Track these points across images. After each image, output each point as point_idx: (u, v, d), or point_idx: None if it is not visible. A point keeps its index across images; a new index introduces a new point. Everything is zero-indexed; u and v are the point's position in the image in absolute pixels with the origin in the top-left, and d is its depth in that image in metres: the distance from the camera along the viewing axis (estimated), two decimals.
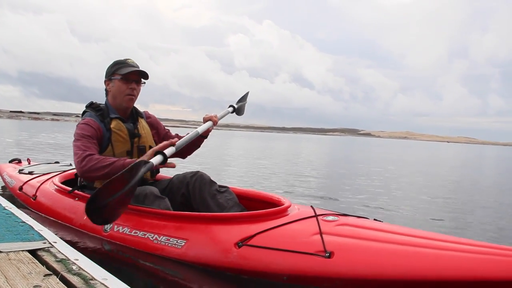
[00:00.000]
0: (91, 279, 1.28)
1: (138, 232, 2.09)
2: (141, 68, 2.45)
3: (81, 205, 2.31)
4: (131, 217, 2.15)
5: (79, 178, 2.55)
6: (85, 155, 2.19)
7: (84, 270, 1.34)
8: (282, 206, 2.13)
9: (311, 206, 2.12)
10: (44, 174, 3.23)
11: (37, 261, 1.43)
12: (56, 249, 1.56)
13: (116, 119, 2.45)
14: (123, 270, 1.93)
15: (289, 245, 1.76)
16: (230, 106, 2.87)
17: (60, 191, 2.68)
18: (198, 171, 2.51)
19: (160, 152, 2.04)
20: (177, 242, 1.97)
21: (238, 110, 2.92)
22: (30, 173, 3.34)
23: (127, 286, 1.21)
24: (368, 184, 6.64)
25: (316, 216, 1.95)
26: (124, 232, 2.13)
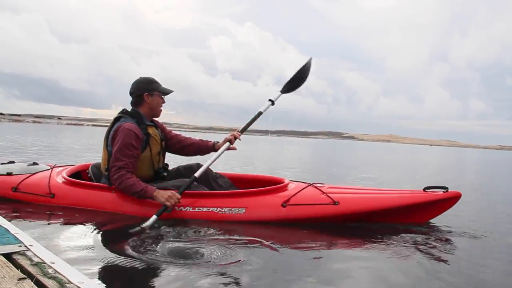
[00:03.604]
0: (67, 283, 1.26)
1: (202, 208, 2.81)
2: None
3: (125, 196, 2.84)
4: (189, 200, 2.82)
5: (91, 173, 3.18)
6: (121, 174, 2.76)
7: (60, 274, 1.32)
8: (287, 181, 3.16)
9: (296, 181, 3.29)
10: (34, 174, 3.23)
11: (11, 265, 1.40)
12: (32, 252, 1.53)
13: (152, 126, 3.04)
14: (189, 240, 2.35)
15: (312, 201, 2.89)
16: (269, 100, 3.30)
17: (91, 187, 3.02)
18: (198, 163, 3.17)
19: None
20: (239, 210, 2.82)
21: (285, 90, 3.36)
22: (9, 174, 3.23)
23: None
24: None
25: (310, 185, 3.13)
26: (187, 210, 2.79)
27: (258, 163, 10.19)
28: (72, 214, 2.84)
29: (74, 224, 2.63)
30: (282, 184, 3.09)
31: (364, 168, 11.08)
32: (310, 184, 3.13)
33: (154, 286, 1.74)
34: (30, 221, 2.62)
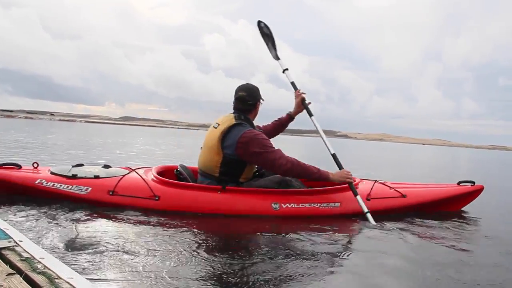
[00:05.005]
0: (56, 278, 1.25)
1: (305, 204, 3.11)
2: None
3: (239, 196, 3.03)
4: (293, 197, 3.11)
5: (179, 172, 3.33)
6: (290, 160, 3.07)
7: (49, 269, 1.31)
8: (358, 180, 3.55)
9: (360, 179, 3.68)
10: (123, 176, 3.07)
11: (0, 260, 1.39)
12: (22, 248, 1.51)
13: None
14: (294, 231, 2.68)
15: (386, 194, 3.40)
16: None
17: (201, 189, 3.06)
18: None
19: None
20: (335, 205, 3.17)
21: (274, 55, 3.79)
22: (97, 177, 3.03)
23: (92, 284, 1.19)
24: None
25: (376, 181, 3.60)
26: (293, 206, 3.08)
27: None
28: (64, 210, 2.81)
29: (65, 219, 2.60)
30: (357, 182, 3.46)
31: (361, 166, 11.11)
32: (376, 181, 3.60)
33: (150, 281, 1.73)
34: (20, 217, 2.59)
